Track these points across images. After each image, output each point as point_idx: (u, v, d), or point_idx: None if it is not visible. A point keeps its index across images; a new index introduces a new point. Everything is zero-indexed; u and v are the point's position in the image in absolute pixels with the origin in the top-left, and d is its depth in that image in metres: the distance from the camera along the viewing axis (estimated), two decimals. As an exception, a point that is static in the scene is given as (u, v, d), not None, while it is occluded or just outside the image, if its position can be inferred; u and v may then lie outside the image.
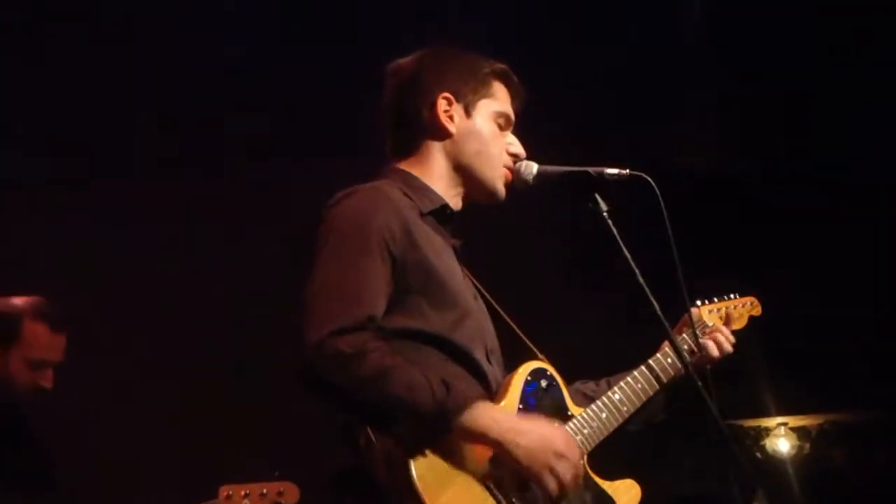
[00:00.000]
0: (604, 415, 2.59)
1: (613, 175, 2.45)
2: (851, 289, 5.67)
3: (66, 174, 4.64)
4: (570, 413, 2.57)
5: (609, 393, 2.66)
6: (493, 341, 2.55)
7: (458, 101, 2.57)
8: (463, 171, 2.57)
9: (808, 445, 6.15)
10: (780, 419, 6.10)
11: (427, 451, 2.28)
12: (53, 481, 3.59)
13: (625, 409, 2.64)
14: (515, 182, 2.55)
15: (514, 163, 2.58)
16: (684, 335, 2.79)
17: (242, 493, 3.80)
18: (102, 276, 4.64)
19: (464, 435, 2.28)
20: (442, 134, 2.56)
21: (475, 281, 2.64)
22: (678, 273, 2.40)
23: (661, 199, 2.40)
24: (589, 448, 2.55)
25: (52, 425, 3.70)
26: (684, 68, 5.45)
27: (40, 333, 3.46)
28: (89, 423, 4.48)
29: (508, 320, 2.63)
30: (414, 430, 2.27)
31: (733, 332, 2.90)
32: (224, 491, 3.77)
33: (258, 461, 4.02)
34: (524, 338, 2.63)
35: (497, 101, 2.59)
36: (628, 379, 2.70)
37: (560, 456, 2.32)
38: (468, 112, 2.57)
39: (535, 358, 2.58)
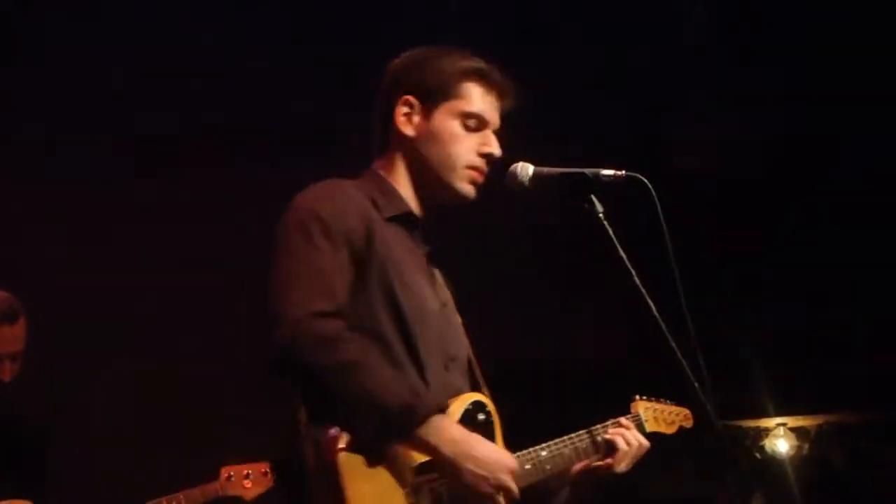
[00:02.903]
0: (527, 466, 2.54)
1: (609, 176, 2.43)
2: (850, 290, 5.67)
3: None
4: None
5: (538, 447, 2.61)
6: (457, 349, 2.56)
7: (421, 103, 2.56)
8: (424, 174, 2.57)
9: (807, 446, 6.14)
10: (779, 420, 6.09)
11: (366, 450, 2.28)
12: (40, 471, 3.60)
13: (548, 467, 2.59)
14: (511, 184, 2.52)
15: (488, 163, 2.56)
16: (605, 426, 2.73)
17: (244, 472, 3.79)
18: (97, 258, 4.67)
19: (417, 444, 2.29)
20: (402, 137, 2.57)
21: (450, 289, 2.65)
22: (675, 275, 2.38)
23: (657, 200, 2.38)
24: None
25: (33, 413, 3.73)
26: (684, 68, 5.45)
27: None
28: (87, 407, 4.51)
29: (472, 355, 2.62)
30: (370, 427, 2.27)
31: (656, 435, 2.88)
32: (225, 472, 3.76)
33: (259, 440, 3.99)
34: (475, 370, 2.62)
35: (465, 102, 2.56)
36: (557, 444, 2.64)
37: (506, 483, 2.34)
38: (428, 114, 2.56)
39: (479, 391, 2.58)
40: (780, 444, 6.10)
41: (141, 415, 4.61)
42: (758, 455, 6.01)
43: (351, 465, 2.26)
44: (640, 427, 2.81)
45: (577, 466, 2.66)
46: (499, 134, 2.60)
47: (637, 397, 2.90)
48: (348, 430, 2.28)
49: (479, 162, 2.56)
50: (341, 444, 2.27)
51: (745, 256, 5.56)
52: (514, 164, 2.54)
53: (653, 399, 2.96)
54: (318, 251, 2.37)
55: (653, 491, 5.61)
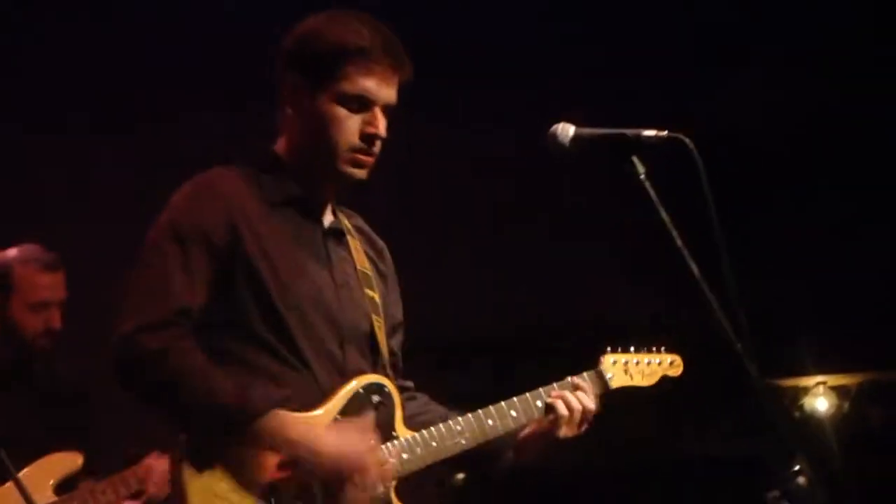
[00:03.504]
0: (434, 444, 2.51)
1: (651, 137, 2.41)
2: (890, 247, 5.63)
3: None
4: (394, 434, 2.50)
5: (451, 421, 2.56)
6: (354, 330, 2.50)
7: (305, 83, 2.49)
8: (310, 157, 2.52)
9: (846, 404, 6.11)
10: (818, 378, 6.06)
11: (211, 451, 2.29)
12: (85, 425, 3.68)
13: (462, 441, 2.54)
14: (551, 145, 2.50)
15: (372, 144, 2.50)
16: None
17: None
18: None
19: (256, 441, 2.28)
20: (287, 118, 2.54)
21: (371, 260, 2.61)
22: (716, 234, 2.35)
23: (699, 160, 2.36)
24: (404, 472, 2.48)
25: (66, 365, 3.80)
26: (727, 28, 5.41)
27: (33, 276, 3.59)
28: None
29: (380, 330, 2.57)
30: (206, 435, 2.29)
31: (635, 388, 2.82)
32: None
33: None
34: (383, 349, 2.57)
35: (346, 83, 2.47)
36: (480, 412, 2.59)
37: (356, 471, 2.31)
38: (312, 95, 2.49)
39: (381, 372, 2.54)
40: (820, 402, 6.08)
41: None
42: (797, 414, 6.00)
43: (193, 473, 2.28)
44: (602, 386, 2.76)
45: (525, 431, 2.64)
46: (396, 108, 2.53)
47: (608, 349, 2.85)
48: (190, 436, 2.31)
49: (362, 144, 2.49)
50: (184, 452, 2.30)
51: (784, 213, 5.54)
52: (555, 125, 2.51)
53: (627, 351, 2.88)
54: (166, 256, 2.35)
55: (690, 450, 5.65)
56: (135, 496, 3.62)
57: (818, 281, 5.67)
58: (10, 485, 3.36)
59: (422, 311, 2.86)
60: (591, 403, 2.65)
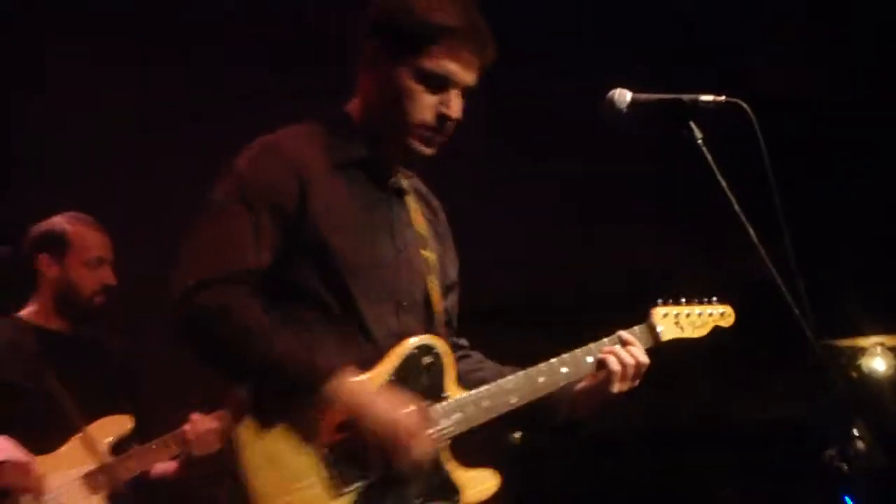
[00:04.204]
0: (485, 402, 2.51)
1: (708, 102, 2.44)
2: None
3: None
4: (444, 395, 2.51)
5: (502, 380, 2.57)
6: (410, 295, 2.53)
7: (388, 50, 2.47)
8: (380, 125, 2.52)
9: (905, 365, 6.09)
10: (876, 339, 6.03)
11: (271, 411, 2.30)
12: (133, 388, 3.81)
13: (514, 399, 2.54)
14: (608, 111, 2.52)
15: (444, 125, 2.49)
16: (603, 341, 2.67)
17: None
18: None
19: (318, 404, 2.30)
20: (365, 80, 2.53)
21: (418, 227, 2.61)
22: (774, 198, 2.39)
23: (757, 126, 2.39)
24: (456, 432, 2.49)
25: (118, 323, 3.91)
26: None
27: (86, 234, 3.71)
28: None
29: (435, 293, 2.60)
30: (269, 396, 2.30)
31: (686, 340, 2.81)
32: None
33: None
34: (437, 310, 2.59)
35: (429, 60, 2.45)
36: (531, 369, 2.59)
37: (407, 436, 2.32)
38: (393, 63, 2.47)
39: (434, 332, 2.55)
40: (877, 363, 6.06)
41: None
42: (854, 375, 5.98)
43: (251, 432, 2.30)
44: (651, 339, 2.75)
45: (579, 386, 2.65)
46: (472, 90, 2.51)
47: (658, 302, 2.84)
48: (251, 395, 2.32)
49: (434, 123, 2.49)
50: (243, 409, 2.31)
51: (840, 176, 5.50)
52: (612, 91, 2.53)
53: (678, 303, 2.87)
54: (231, 215, 2.36)
55: (741, 412, 5.65)
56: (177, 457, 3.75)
57: (875, 243, 5.63)
58: (74, 441, 3.53)
59: (478, 271, 2.88)
60: (642, 357, 2.64)
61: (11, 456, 3.39)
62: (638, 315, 2.80)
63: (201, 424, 3.62)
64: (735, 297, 2.98)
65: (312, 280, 2.41)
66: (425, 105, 2.47)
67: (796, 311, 2.36)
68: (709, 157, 2.41)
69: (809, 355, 2.39)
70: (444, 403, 2.50)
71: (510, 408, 2.55)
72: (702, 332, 2.88)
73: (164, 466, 3.74)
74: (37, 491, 3.42)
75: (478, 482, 2.54)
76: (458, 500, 2.49)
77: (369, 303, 2.44)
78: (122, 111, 4.98)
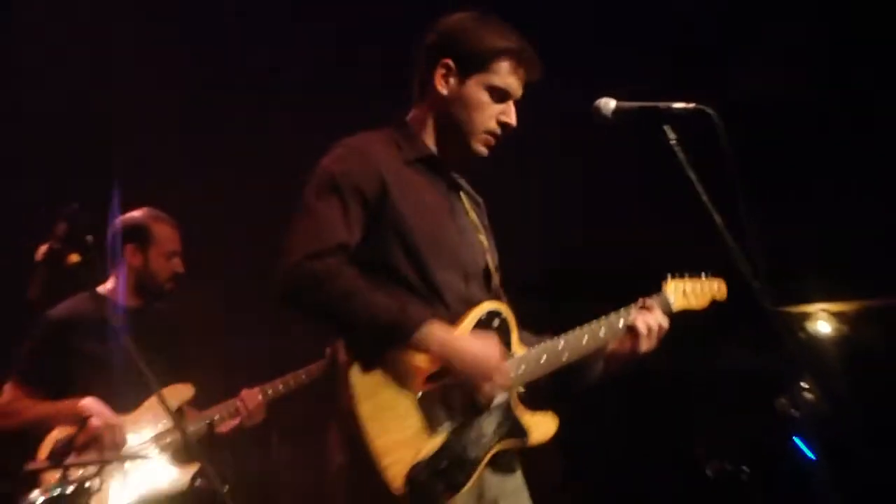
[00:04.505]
0: (542, 359, 2.85)
1: (679, 109, 2.79)
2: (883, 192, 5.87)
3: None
4: (511, 353, 2.84)
5: (552, 340, 2.89)
6: (474, 267, 2.90)
7: (458, 67, 2.91)
8: (448, 130, 2.95)
9: (846, 328, 6.47)
10: (821, 305, 6.44)
11: (374, 360, 2.61)
12: (190, 359, 4.19)
13: (566, 356, 2.88)
14: (596, 116, 2.88)
15: (504, 131, 2.92)
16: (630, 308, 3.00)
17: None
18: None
19: (414, 346, 2.61)
20: (436, 94, 2.93)
21: (477, 214, 2.99)
22: (735, 184, 2.68)
23: (722, 129, 2.71)
24: (520, 382, 2.84)
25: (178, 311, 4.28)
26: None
27: (165, 229, 4.13)
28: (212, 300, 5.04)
29: (492, 268, 2.95)
30: (370, 342, 2.61)
31: (685, 311, 3.13)
32: (330, 350, 4.06)
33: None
34: (496, 282, 2.96)
35: (496, 76, 2.92)
36: (576, 330, 2.92)
37: (495, 371, 2.67)
38: (463, 79, 2.91)
39: (499, 300, 2.91)
40: (822, 325, 6.46)
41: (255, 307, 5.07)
42: (803, 336, 6.35)
43: (359, 373, 2.61)
44: (666, 307, 3.10)
45: (611, 346, 3.01)
46: (518, 102, 2.95)
47: (669, 276, 3.20)
48: (355, 346, 2.66)
49: (497, 129, 2.94)
50: (350, 357, 2.62)
51: (796, 166, 5.78)
52: (599, 99, 2.89)
53: (684, 277, 3.22)
54: (326, 203, 2.72)
55: (708, 366, 6.11)
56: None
57: (821, 224, 5.99)
58: (149, 403, 3.93)
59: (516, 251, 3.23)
60: (664, 321, 3.02)
61: (106, 417, 3.78)
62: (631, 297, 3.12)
63: (250, 401, 4.07)
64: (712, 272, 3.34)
65: (394, 256, 2.76)
66: (490, 114, 2.93)
67: (755, 285, 2.70)
68: (681, 155, 2.76)
69: (765, 320, 2.71)
70: (511, 359, 2.83)
71: (562, 364, 2.90)
72: (703, 303, 3.25)
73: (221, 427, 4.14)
74: (122, 447, 3.81)
75: (542, 424, 2.88)
76: (526, 440, 2.86)
77: (441, 269, 2.81)
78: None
